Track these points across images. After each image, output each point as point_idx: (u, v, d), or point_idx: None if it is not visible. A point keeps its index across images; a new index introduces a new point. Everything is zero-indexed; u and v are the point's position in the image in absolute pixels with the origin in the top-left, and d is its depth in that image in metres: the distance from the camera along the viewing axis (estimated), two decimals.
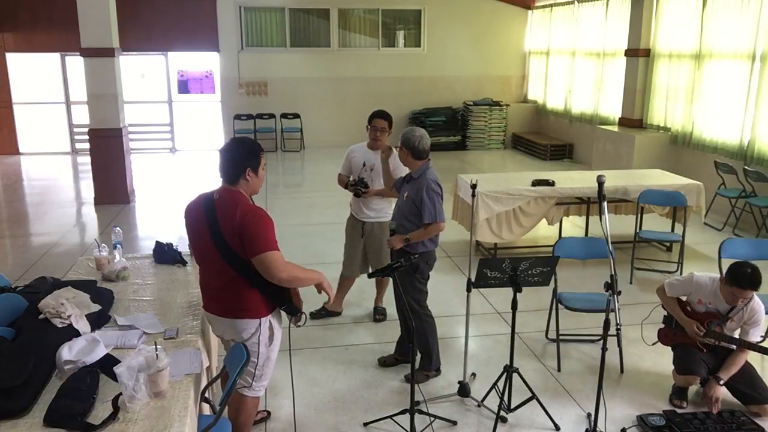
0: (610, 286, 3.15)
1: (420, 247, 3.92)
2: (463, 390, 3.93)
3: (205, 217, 2.89)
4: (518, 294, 3.53)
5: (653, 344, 4.19)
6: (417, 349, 4.11)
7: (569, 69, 12.31)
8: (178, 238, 5.68)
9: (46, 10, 11.86)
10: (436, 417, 3.64)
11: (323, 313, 5.07)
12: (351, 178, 4.72)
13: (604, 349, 3.19)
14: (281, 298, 2.97)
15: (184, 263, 3.94)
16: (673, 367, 3.95)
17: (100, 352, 2.66)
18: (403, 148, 3.93)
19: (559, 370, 4.31)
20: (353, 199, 4.81)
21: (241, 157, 2.91)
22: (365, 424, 3.67)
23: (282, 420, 3.71)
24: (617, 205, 6.62)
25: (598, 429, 3.38)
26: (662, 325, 4.13)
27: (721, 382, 3.63)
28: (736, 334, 3.82)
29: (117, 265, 3.74)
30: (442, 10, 13.37)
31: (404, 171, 4.49)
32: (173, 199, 8.96)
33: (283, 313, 3.12)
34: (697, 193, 6.43)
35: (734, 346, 3.85)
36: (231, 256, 2.83)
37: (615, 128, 10.33)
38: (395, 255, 3.92)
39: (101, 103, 8.48)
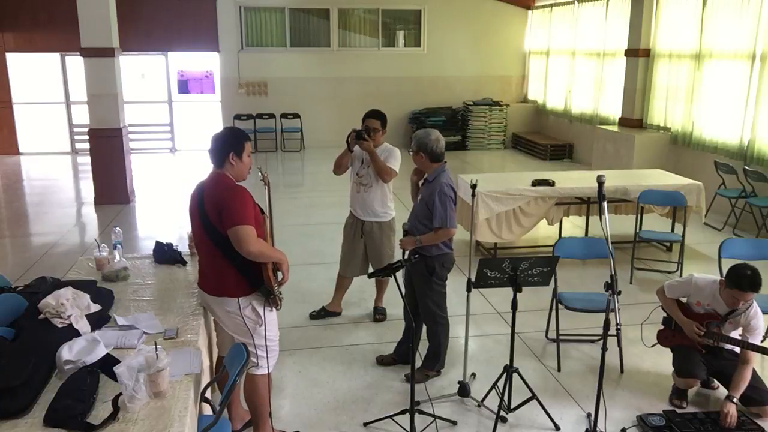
0: (610, 286, 3.15)
1: (434, 249, 3.88)
2: (463, 390, 3.93)
3: (197, 198, 3.13)
4: (518, 294, 3.53)
5: (652, 346, 4.19)
6: (417, 348, 4.12)
7: (569, 69, 12.30)
8: (178, 238, 5.69)
9: (46, 10, 11.86)
10: (436, 417, 3.64)
11: (323, 314, 5.07)
12: (353, 130, 4.60)
13: (604, 349, 3.19)
14: (257, 279, 3.10)
15: (184, 263, 3.94)
16: (673, 369, 3.95)
17: (100, 352, 2.66)
18: (420, 152, 3.84)
19: (559, 370, 4.31)
20: (354, 199, 4.80)
21: (226, 142, 3.14)
22: (365, 424, 3.67)
23: (282, 420, 3.71)
24: (617, 205, 6.62)
25: (598, 429, 3.38)
26: (662, 327, 4.13)
27: (735, 400, 3.61)
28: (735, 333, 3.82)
29: (117, 265, 3.73)
30: (442, 10, 13.37)
31: (394, 160, 4.54)
32: (173, 199, 8.96)
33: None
34: (697, 193, 6.44)
35: (732, 346, 3.85)
36: (213, 232, 3.03)
37: (615, 128, 10.33)
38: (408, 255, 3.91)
39: (101, 103, 8.48)
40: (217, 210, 2.99)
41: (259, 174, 3.79)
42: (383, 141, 4.69)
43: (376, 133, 4.59)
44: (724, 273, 3.72)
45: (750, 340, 3.71)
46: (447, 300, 4.52)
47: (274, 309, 3.23)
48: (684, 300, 3.99)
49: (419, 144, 3.84)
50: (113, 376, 2.44)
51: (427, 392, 3.82)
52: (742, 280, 3.57)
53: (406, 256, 3.80)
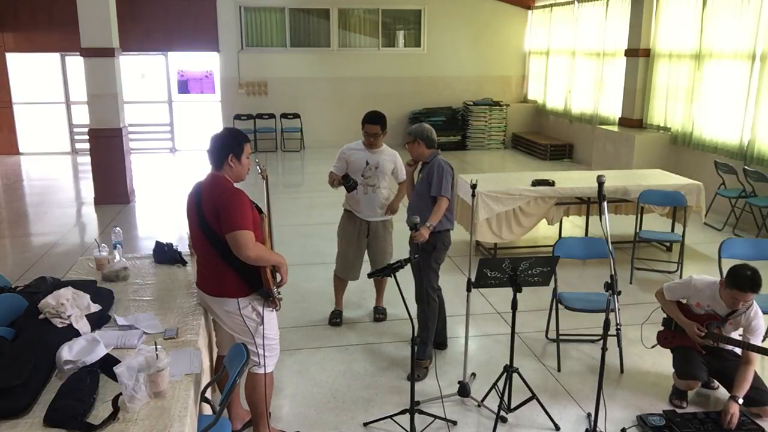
0: (610, 286, 3.15)
1: (438, 225, 4.04)
2: (463, 390, 3.93)
3: (194, 199, 3.12)
4: (518, 294, 3.53)
5: (652, 347, 4.19)
6: (418, 340, 4.17)
7: (569, 69, 12.31)
8: (178, 238, 5.69)
9: (46, 10, 11.86)
10: (436, 417, 3.64)
11: (338, 315, 5.05)
12: (341, 177, 4.64)
13: (604, 349, 3.19)
14: (256, 281, 3.10)
15: (184, 263, 3.94)
16: (673, 370, 3.94)
17: (100, 352, 2.65)
18: (417, 140, 4.13)
19: (559, 370, 4.31)
20: (356, 199, 4.73)
21: (225, 144, 3.12)
22: (365, 424, 3.67)
23: (282, 420, 3.71)
24: (617, 205, 6.62)
25: (598, 429, 3.38)
26: (662, 327, 4.13)
27: (740, 401, 3.60)
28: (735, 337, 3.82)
29: (117, 265, 3.73)
30: (442, 10, 13.37)
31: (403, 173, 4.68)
32: (173, 199, 8.96)
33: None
34: (697, 193, 6.44)
35: (734, 348, 3.85)
36: (211, 234, 3.02)
37: (615, 128, 10.33)
38: (415, 249, 4.00)
39: (101, 103, 8.48)
40: (215, 213, 2.98)
41: (258, 168, 3.82)
42: (383, 144, 4.71)
43: (376, 138, 4.59)
44: (724, 273, 3.72)
45: (751, 341, 3.71)
46: (447, 300, 4.53)
47: (273, 309, 3.23)
48: (684, 301, 3.98)
49: (416, 133, 4.14)
50: (113, 376, 2.44)
51: (440, 388, 3.85)
52: (742, 281, 3.57)
53: (414, 255, 3.85)
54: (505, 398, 3.73)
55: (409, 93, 13.47)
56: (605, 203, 3.29)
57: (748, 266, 3.63)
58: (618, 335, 3.39)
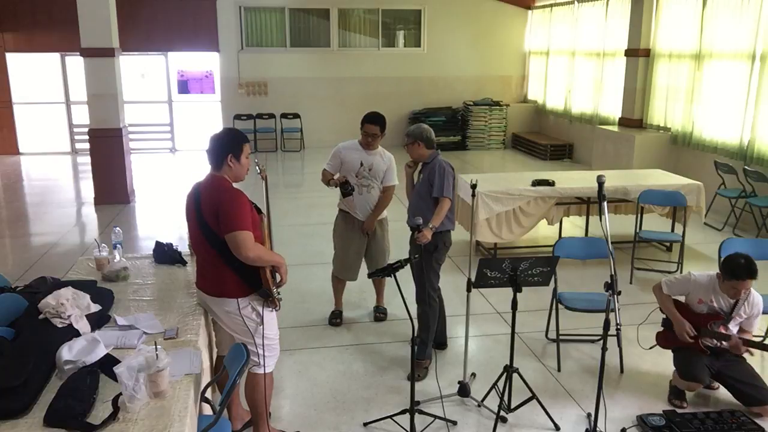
0: (610, 286, 3.15)
1: (439, 226, 4.04)
2: (463, 390, 3.93)
3: (193, 199, 3.12)
4: (518, 294, 3.53)
5: (651, 348, 4.18)
6: (419, 338, 4.20)
7: (569, 69, 12.31)
8: (178, 238, 5.69)
9: (46, 10, 11.86)
10: (436, 417, 3.64)
11: (339, 315, 5.05)
12: (336, 177, 4.65)
13: (604, 349, 3.19)
14: (255, 281, 3.10)
15: (184, 263, 3.94)
16: (674, 370, 3.94)
17: (100, 352, 2.66)
18: (416, 142, 4.14)
19: (559, 370, 4.31)
20: (356, 200, 4.71)
21: (225, 144, 3.12)
22: (365, 424, 3.67)
23: (282, 420, 3.71)
24: (617, 205, 6.62)
25: (598, 429, 3.38)
26: (661, 328, 4.12)
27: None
28: (737, 329, 3.85)
29: (117, 265, 3.73)
30: (442, 10, 13.38)
31: (394, 174, 4.73)
32: (173, 199, 8.96)
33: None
34: (697, 193, 6.44)
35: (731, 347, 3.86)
36: (210, 234, 3.03)
37: (615, 128, 10.33)
38: (415, 249, 4.02)
39: (101, 103, 8.48)
40: (215, 214, 2.98)
41: (257, 168, 3.83)
42: (379, 146, 4.70)
43: (374, 139, 4.59)
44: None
45: (754, 322, 3.83)
46: (447, 300, 4.53)
47: (273, 309, 3.23)
48: (683, 299, 3.98)
49: (415, 135, 4.15)
50: (113, 376, 2.44)
51: (440, 388, 3.85)
52: (738, 270, 3.60)
53: (414, 255, 3.89)
54: (505, 398, 3.73)
55: (409, 93, 13.46)
56: (605, 203, 3.29)
57: (741, 254, 3.67)
58: (618, 335, 3.39)
